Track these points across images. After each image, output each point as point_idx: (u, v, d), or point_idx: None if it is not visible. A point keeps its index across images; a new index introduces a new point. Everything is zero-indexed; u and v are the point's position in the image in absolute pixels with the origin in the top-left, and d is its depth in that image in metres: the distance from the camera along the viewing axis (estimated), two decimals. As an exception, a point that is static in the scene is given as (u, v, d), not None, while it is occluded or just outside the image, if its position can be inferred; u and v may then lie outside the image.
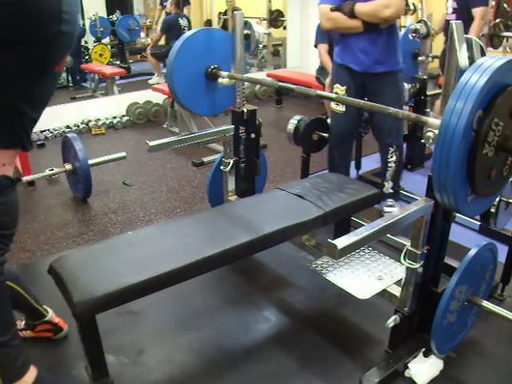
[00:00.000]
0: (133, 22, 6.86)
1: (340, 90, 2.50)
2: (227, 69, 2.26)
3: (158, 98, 4.96)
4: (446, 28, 3.60)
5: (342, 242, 1.24)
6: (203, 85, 2.27)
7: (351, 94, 2.44)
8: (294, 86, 1.95)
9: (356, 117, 2.59)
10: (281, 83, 2.11)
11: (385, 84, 2.43)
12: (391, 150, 2.55)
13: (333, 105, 2.54)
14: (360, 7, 2.25)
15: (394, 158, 2.56)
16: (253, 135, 2.33)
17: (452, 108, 1.18)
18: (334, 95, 1.91)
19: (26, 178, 3.20)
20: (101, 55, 6.37)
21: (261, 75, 5.66)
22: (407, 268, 1.58)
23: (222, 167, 2.42)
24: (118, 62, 6.92)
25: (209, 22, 7.48)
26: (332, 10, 2.32)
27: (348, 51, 2.42)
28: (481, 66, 1.18)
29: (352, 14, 2.27)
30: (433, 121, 1.39)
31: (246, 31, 5.28)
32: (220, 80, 2.21)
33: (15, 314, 1.40)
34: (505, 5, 4.39)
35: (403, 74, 2.51)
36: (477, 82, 1.15)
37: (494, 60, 1.19)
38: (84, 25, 7.31)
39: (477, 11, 3.47)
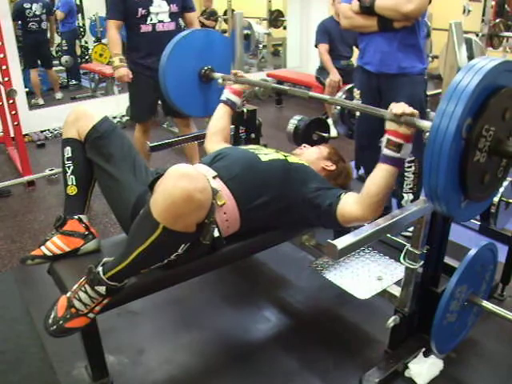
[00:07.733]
0: (133, 22, 6.86)
1: (356, 93, 2.38)
2: (221, 70, 2.24)
3: (157, 98, 4.96)
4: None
5: (342, 241, 1.24)
6: (196, 86, 2.26)
7: (367, 98, 2.29)
8: (287, 88, 1.96)
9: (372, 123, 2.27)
10: (274, 84, 2.11)
11: (398, 87, 2.22)
12: (407, 159, 2.30)
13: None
14: (380, 1, 2.10)
15: (413, 169, 2.36)
16: (253, 135, 2.33)
17: (443, 110, 1.13)
18: (327, 97, 1.88)
19: (26, 178, 3.21)
20: (101, 55, 6.37)
21: (261, 75, 5.66)
22: (407, 268, 1.58)
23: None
24: (118, 62, 6.91)
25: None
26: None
27: (365, 52, 2.30)
28: (473, 66, 1.14)
29: (371, 9, 2.13)
30: (424, 122, 1.35)
31: (245, 31, 5.28)
32: (220, 80, 2.20)
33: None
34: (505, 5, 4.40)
35: (423, 79, 2.28)
36: (469, 83, 1.11)
37: (487, 61, 1.15)
38: (84, 25, 7.33)
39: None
